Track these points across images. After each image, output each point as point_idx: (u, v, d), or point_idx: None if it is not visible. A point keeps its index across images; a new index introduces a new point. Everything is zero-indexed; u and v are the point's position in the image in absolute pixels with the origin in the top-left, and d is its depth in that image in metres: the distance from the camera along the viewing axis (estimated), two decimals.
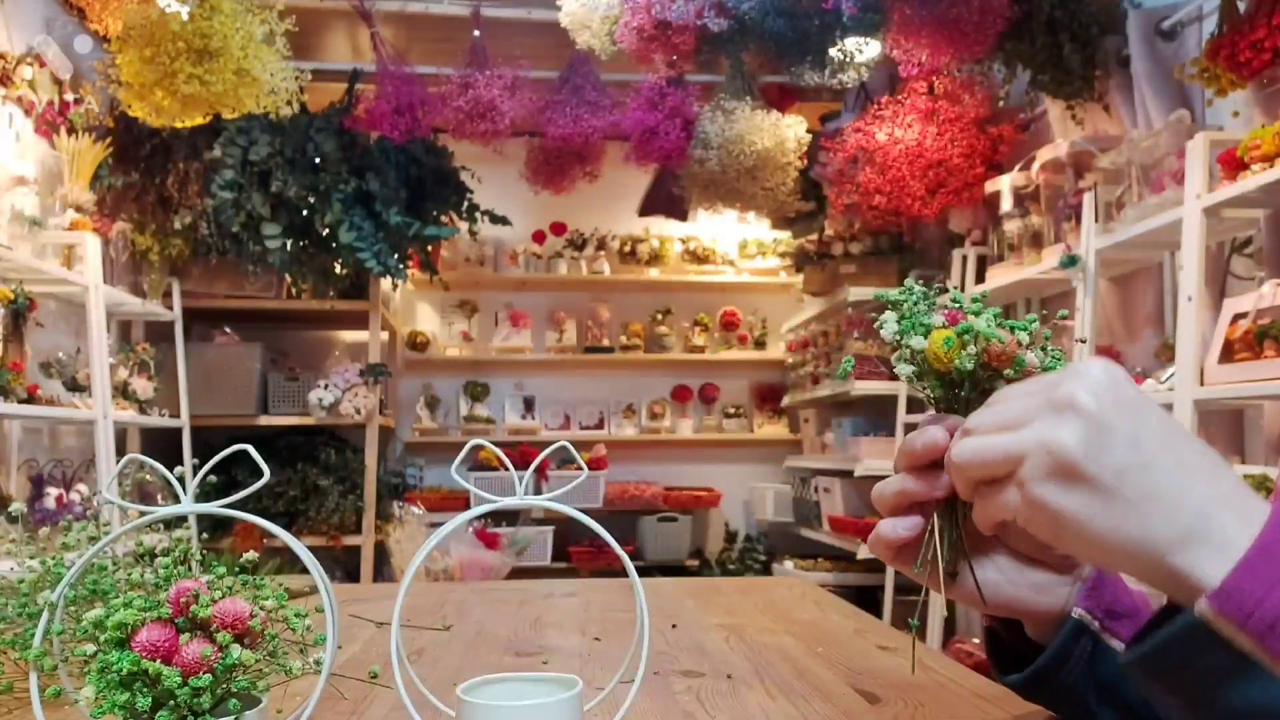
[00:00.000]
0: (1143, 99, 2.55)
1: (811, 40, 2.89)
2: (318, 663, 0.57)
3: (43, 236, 2.71)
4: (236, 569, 0.67)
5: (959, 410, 0.60)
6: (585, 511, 0.67)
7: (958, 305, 0.62)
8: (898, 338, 0.62)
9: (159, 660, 0.53)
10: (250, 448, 0.58)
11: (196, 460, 3.49)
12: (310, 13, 3.13)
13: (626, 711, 0.64)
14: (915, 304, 0.63)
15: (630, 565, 0.64)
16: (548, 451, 0.70)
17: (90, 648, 0.54)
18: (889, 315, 0.63)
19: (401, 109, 3.12)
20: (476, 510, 0.67)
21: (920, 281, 0.65)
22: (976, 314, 0.61)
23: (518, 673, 0.67)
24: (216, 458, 0.60)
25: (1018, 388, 0.50)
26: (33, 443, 2.92)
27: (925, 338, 0.60)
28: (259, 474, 0.57)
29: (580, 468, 0.75)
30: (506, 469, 0.66)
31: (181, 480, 0.61)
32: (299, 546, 0.61)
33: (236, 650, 0.55)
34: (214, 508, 0.57)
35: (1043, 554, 0.61)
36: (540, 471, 3.86)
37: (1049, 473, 0.45)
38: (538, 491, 3.91)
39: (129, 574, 0.74)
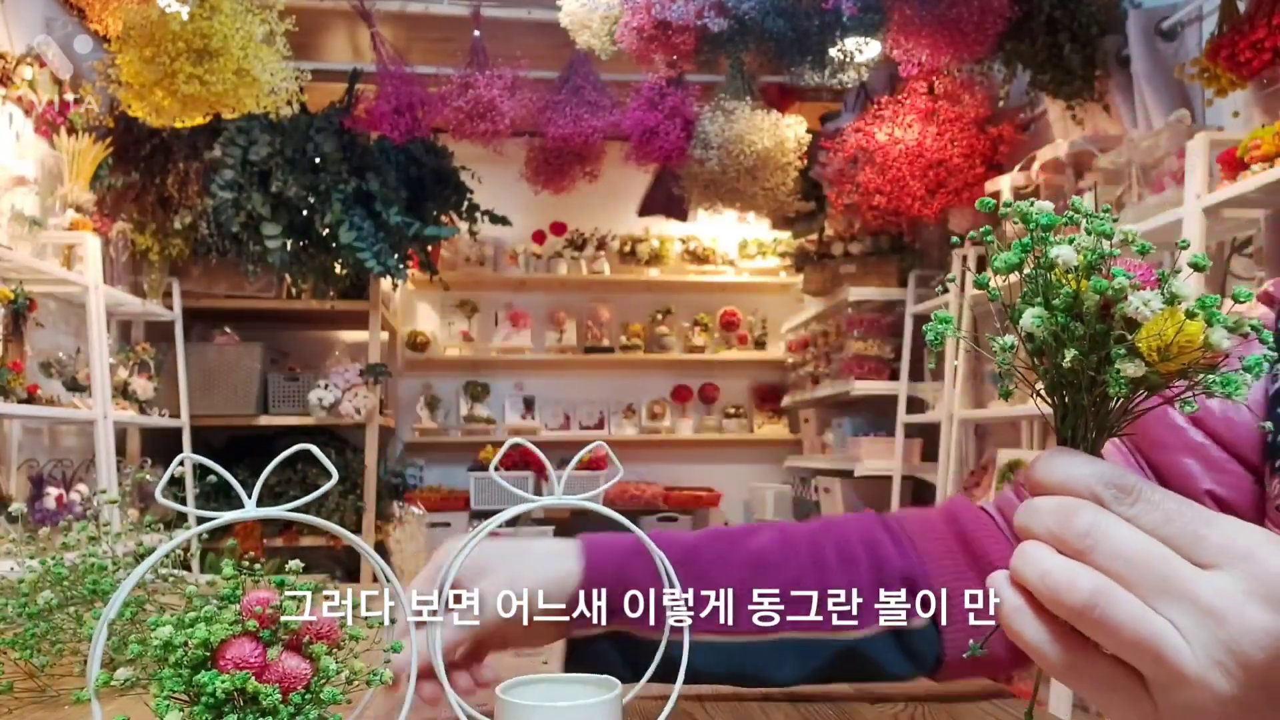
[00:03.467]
0: (1143, 99, 2.55)
1: (811, 40, 2.89)
2: (375, 673, 0.55)
3: (43, 236, 2.71)
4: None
5: (1079, 435, 0.42)
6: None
7: (1134, 245, 0.40)
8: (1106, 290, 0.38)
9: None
10: (314, 448, 0.54)
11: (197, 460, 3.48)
12: (310, 13, 3.13)
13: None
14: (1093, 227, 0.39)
15: (668, 565, 0.64)
16: (586, 450, 0.70)
17: (166, 672, 0.49)
18: (1063, 245, 0.39)
19: (401, 109, 3.12)
20: (514, 510, 0.66)
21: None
22: (1163, 278, 0.39)
23: (553, 674, 0.67)
24: (281, 456, 0.55)
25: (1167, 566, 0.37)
26: (33, 443, 2.92)
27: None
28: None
29: (615, 466, 0.74)
30: (543, 469, 0.65)
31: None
32: (363, 546, 0.60)
33: (332, 663, 0.51)
34: (278, 512, 0.54)
35: None
36: (542, 472, 3.86)
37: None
38: (537, 492, 3.91)
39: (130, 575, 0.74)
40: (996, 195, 3.03)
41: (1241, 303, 0.39)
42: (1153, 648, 0.36)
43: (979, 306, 3.07)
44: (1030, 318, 0.39)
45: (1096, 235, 0.39)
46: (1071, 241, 0.40)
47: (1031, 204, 0.42)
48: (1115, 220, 0.41)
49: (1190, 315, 0.37)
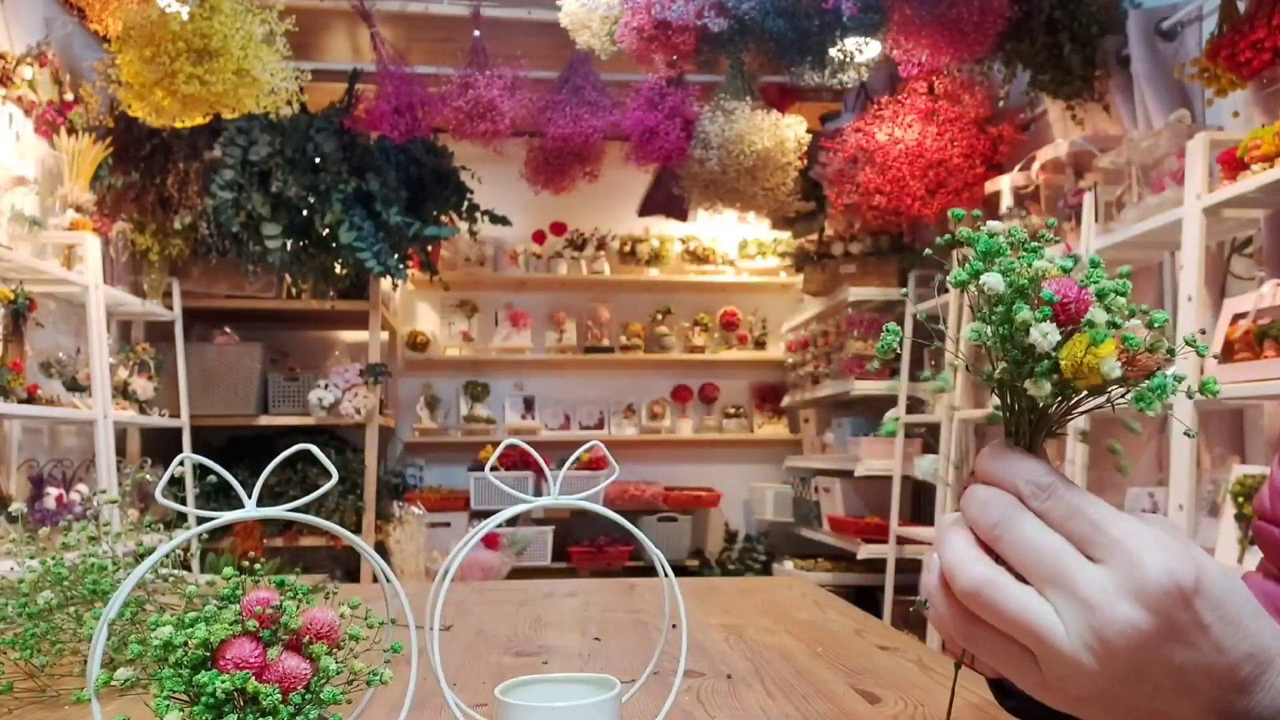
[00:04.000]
0: (1143, 99, 2.55)
1: (811, 40, 2.89)
2: (376, 674, 0.55)
3: (43, 236, 2.71)
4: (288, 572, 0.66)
5: (1021, 433, 0.46)
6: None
7: (1067, 271, 0.44)
8: (1004, 311, 0.42)
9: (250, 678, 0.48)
10: (314, 448, 0.54)
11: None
12: (310, 13, 3.13)
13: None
14: (1014, 257, 0.43)
15: (665, 565, 0.64)
16: (582, 450, 0.70)
17: (166, 672, 0.49)
18: (992, 274, 0.43)
19: (401, 109, 3.12)
20: (512, 510, 0.66)
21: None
22: (1102, 295, 0.43)
23: (552, 674, 0.67)
24: (280, 456, 0.55)
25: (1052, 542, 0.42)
26: (33, 443, 2.92)
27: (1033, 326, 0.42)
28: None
29: (612, 466, 0.74)
30: (540, 469, 0.65)
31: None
32: (363, 546, 0.60)
33: (331, 663, 0.51)
34: (278, 512, 0.53)
35: None
36: (540, 473, 3.86)
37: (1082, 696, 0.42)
38: (537, 492, 3.92)
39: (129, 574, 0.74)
40: (996, 196, 3.04)
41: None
42: (1030, 629, 0.42)
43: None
44: (969, 331, 0.44)
45: (1025, 263, 0.43)
46: (1012, 267, 0.43)
47: (977, 230, 0.45)
48: (1057, 241, 0.45)
49: (1096, 340, 0.41)
